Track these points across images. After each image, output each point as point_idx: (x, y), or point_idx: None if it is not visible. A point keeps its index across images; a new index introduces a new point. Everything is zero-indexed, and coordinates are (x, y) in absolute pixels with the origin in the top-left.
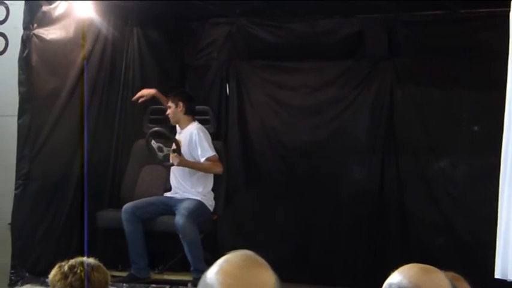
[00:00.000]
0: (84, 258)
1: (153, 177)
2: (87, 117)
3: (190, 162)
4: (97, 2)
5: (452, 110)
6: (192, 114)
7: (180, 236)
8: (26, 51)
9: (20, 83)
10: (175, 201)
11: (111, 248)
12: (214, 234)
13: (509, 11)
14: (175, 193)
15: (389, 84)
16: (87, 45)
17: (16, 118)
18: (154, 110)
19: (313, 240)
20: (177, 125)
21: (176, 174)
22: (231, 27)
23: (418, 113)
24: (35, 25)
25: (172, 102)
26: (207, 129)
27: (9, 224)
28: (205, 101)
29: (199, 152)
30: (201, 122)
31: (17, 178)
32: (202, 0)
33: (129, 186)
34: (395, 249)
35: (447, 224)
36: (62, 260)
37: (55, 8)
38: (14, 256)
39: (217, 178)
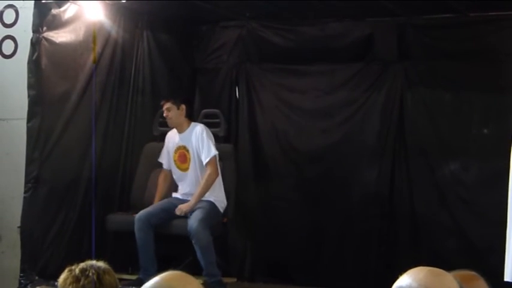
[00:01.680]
0: (94, 262)
1: None
2: (97, 121)
3: (195, 198)
4: (107, 5)
5: (463, 113)
6: (191, 118)
7: (193, 240)
8: (36, 54)
9: (30, 86)
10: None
11: (121, 251)
12: (224, 237)
13: None
14: (188, 197)
15: (400, 87)
16: (97, 48)
17: (26, 121)
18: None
19: (324, 244)
20: (174, 129)
21: (189, 180)
22: (241, 30)
23: (428, 116)
24: (45, 28)
25: (174, 104)
26: (217, 132)
27: (18, 227)
28: (215, 104)
29: (203, 153)
30: (211, 125)
31: (27, 181)
32: (213, 2)
33: (139, 190)
34: (406, 252)
35: (457, 227)
36: (72, 264)
37: (65, 10)
38: (24, 259)
39: (227, 181)
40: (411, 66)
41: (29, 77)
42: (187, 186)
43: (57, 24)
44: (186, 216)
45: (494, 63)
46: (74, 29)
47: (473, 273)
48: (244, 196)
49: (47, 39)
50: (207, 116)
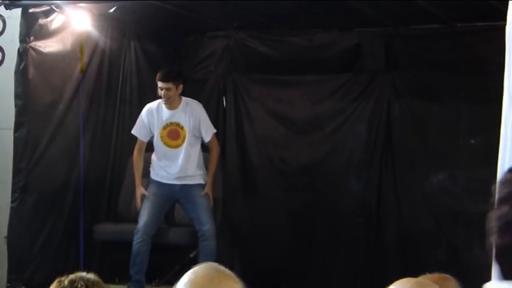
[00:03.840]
0: (84, 274)
1: None
2: (84, 131)
3: (210, 178)
4: (94, 15)
5: (450, 124)
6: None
7: (207, 242)
8: (23, 64)
9: (17, 96)
10: (181, 192)
11: (108, 262)
12: None
13: (505, 24)
14: (177, 179)
15: (387, 97)
16: (84, 58)
17: (13, 131)
18: None
19: (312, 254)
20: (156, 103)
21: (181, 158)
22: (228, 40)
23: (415, 127)
24: (32, 38)
25: (174, 85)
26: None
27: (5, 237)
28: None
29: (204, 130)
30: None
31: (14, 191)
32: (200, 13)
33: (126, 200)
34: (393, 262)
35: (445, 238)
36: (59, 274)
37: (52, 20)
38: (10, 269)
39: (214, 191)
40: (399, 76)
41: (16, 87)
42: (177, 167)
43: (45, 34)
44: (177, 204)
45: (482, 74)
46: (61, 39)
47: (444, 275)
48: (231, 206)
49: (34, 49)
50: None
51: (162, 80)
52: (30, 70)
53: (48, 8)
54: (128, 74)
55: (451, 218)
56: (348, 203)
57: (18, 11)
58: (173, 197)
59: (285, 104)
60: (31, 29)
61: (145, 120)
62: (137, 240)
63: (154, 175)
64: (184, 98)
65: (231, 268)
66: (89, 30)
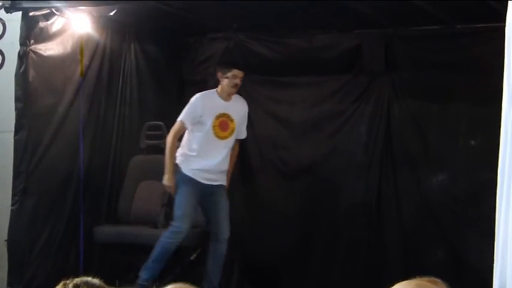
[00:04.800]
0: (90, 278)
1: (150, 193)
2: (84, 133)
3: (229, 179)
4: (94, 17)
5: (450, 124)
6: None
7: (223, 246)
8: (23, 67)
9: (17, 99)
10: (207, 190)
11: (108, 264)
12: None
13: (504, 26)
14: (215, 180)
15: (387, 98)
16: (85, 61)
17: (13, 134)
18: (151, 126)
19: (312, 254)
20: (209, 93)
21: (225, 150)
22: (228, 42)
23: (415, 127)
24: (32, 41)
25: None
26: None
27: (5, 240)
28: None
29: (244, 128)
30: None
31: (14, 194)
32: (200, 15)
33: (126, 202)
34: (394, 264)
35: (445, 239)
36: (59, 276)
37: (52, 23)
38: (11, 272)
39: None
40: (398, 77)
41: (16, 90)
42: (218, 159)
43: (45, 36)
44: (210, 199)
45: (481, 75)
46: (61, 41)
47: (434, 278)
48: (232, 208)
49: (34, 52)
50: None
51: (239, 69)
52: (30, 73)
53: (48, 11)
54: (128, 76)
55: (451, 218)
56: (348, 204)
57: (18, 14)
58: (200, 195)
59: (285, 106)
60: (31, 32)
61: (200, 108)
62: (177, 239)
63: (187, 170)
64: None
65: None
66: (89, 33)
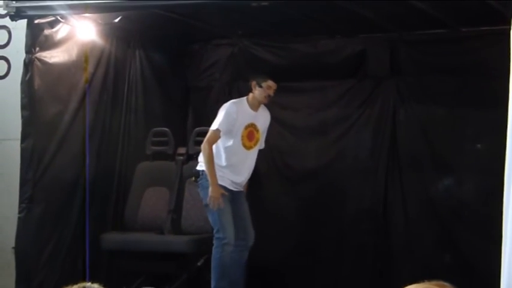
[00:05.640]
0: (89, 284)
1: (156, 199)
2: (90, 140)
3: (247, 185)
4: (99, 25)
5: (455, 129)
6: None
7: (245, 254)
8: (29, 75)
9: (23, 107)
10: (235, 197)
11: (115, 271)
12: None
13: (510, 29)
14: (237, 187)
15: (392, 103)
16: (90, 68)
17: (19, 142)
18: (156, 132)
19: (318, 260)
20: (242, 102)
21: (249, 161)
22: (233, 48)
23: (421, 132)
24: (37, 48)
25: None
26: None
27: (13, 247)
28: (208, 122)
29: (263, 139)
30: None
31: (21, 202)
32: (205, 22)
33: (132, 209)
34: (401, 268)
35: (452, 243)
36: (66, 283)
37: (57, 31)
38: (18, 279)
39: None
40: (403, 81)
41: (22, 98)
42: (246, 171)
43: (50, 44)
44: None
45: (486, 78)
46: (66, 49)
47: (443, 282)
48: None
49: (39, 60)
50: (199, 133)
51: (274, 80)
52: (36, 81)
53: (53, 18)
54: (133, 83)
55: (458, 222)
56: (354, 208)
57: (23, 22)
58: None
59: (290, 111)
60: (36, 39)
61: (235, 116)
62: (226, 250)
63: (221, 180)
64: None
65: None
66: (94, 40)
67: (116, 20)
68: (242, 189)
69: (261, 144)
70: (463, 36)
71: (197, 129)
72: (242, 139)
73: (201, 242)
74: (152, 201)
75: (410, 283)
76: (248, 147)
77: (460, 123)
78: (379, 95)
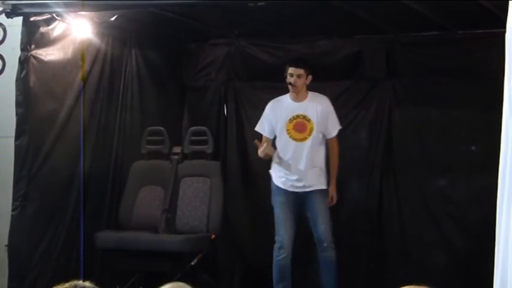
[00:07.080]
0: (81, 282)
1: (151, 198)
2: (85, 139)
3: (334, 180)
4: (95, 23)
5: (451, 130)
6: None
7: (325, 254)
8: (24, 72)
9: (18, 104)
10: (302, 198)
11: (109, 269)
12: (213, 255)
13: (505, 31)
14: (298, 184)
15: (388, 104)
16: (86, 66)
17: (14, 139)
18: (152, 132)
19: (312, 261)
20: (281, 98)
21: (306, 153)
22: (229, 48)
23: (416, 133)
24: (33, 46)
25: (305, 73)
26: (204, 149)
27: (6, 245)
28: (204, 121)
29: (330, 125)
30: (199, 142)
31: (15, 199)
32: (201, 21)
33: (127, 207)
34: (395, 268)
35: (446, 244)
36: (60, 282)
37: (53, 28)
38: (11, 278)
39: (215, 199)
40: (399, 83)
41: (17, 95)
42: (303, 165)
43: (46, 42)
44: (301, 209)
45: (482, 81)
46: (62, 47)
47: (423, 287)
48: (233, 213)
49: (35, 57)
50: (195, 133)
51: (295, 66)
52: (31, 78)
53: (49, 16)
54: (129, 81)
55: (452, 223)
56: (350, 209)
57: (19, 20)
58: (294, 204)
59: None
60: (32, 37)
61: (270, 115)
62: (282, 255)
63: (276, 180)
64: (311, 92)
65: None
66: (90, 38)
67: (112, 19)
68: (314, 189)
69: (327, 132)
70: (459, 39)
71: (192, 128)
72: (289, 133)
73: (195, 242)
74: (147, 200)
75: (405, 284)
76: (300, 139)
77: (455, 124)
78: (375, 96)
